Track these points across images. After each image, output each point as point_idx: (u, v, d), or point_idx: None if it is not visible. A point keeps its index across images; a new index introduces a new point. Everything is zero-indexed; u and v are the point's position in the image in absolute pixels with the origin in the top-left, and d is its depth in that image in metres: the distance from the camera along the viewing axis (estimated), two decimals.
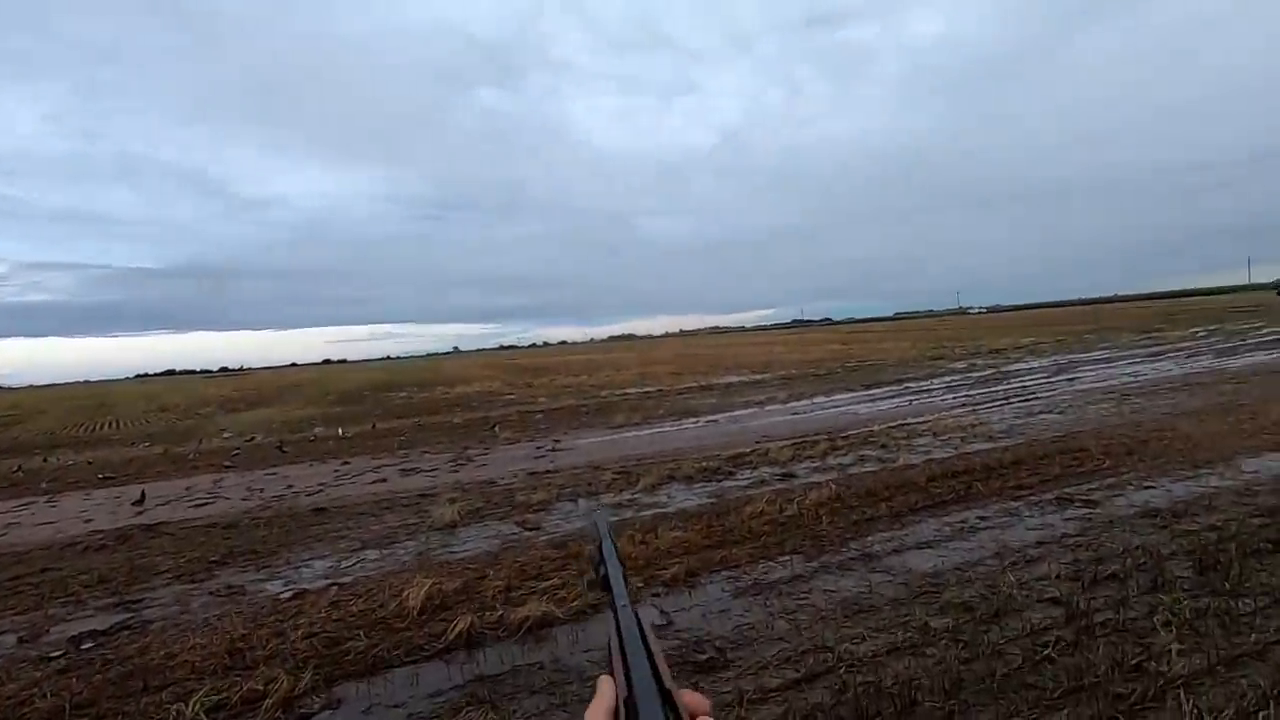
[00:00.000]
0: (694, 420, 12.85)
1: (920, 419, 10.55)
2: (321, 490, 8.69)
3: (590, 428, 12.81)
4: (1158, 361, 16.92)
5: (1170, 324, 34.05)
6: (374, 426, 15.87)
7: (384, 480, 9.09)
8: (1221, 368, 14.34)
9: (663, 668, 0.52)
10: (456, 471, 9.33)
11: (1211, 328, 28.95)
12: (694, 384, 21.10)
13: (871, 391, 15.32)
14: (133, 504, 8.66)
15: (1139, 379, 13.49)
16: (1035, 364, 19.12)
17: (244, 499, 8.51)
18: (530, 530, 5.98)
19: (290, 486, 9.13)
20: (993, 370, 18.20)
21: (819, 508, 5.76)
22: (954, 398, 13.04)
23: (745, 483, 7.13)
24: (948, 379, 16.94)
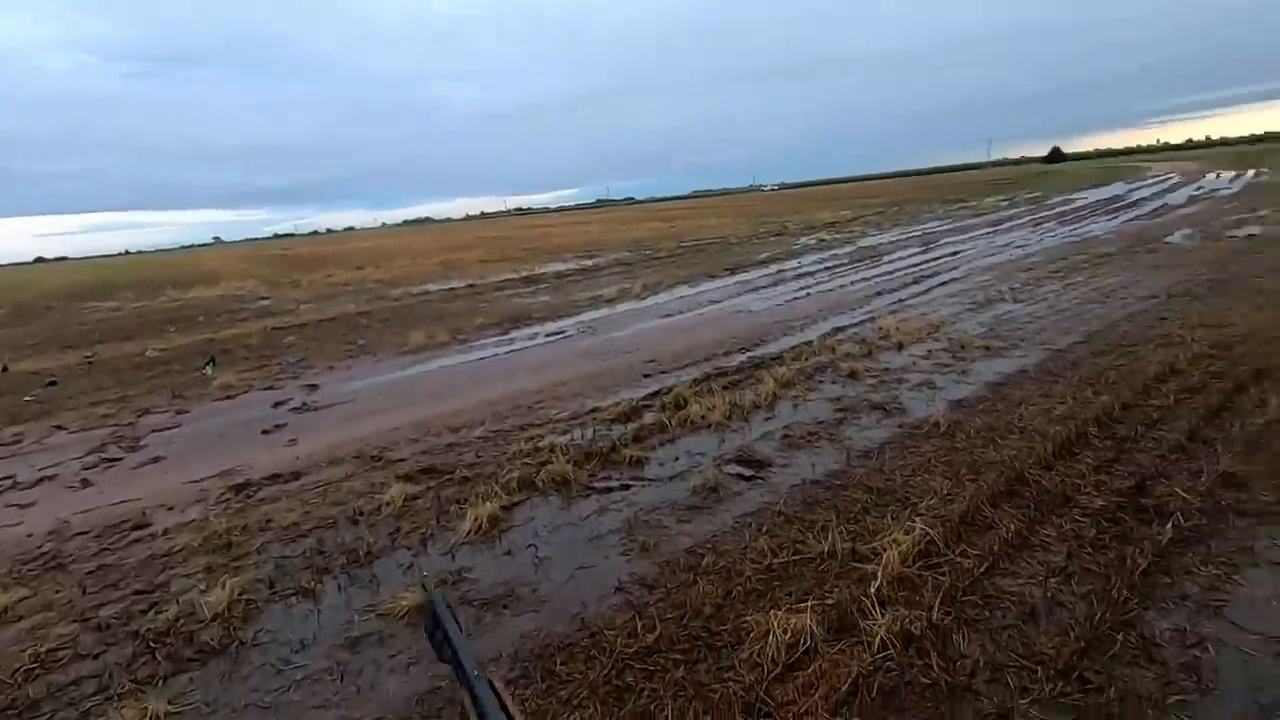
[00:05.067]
0: (529, 331, 8.96)
1: (851, 319, 7.65)
2: None
3: (371, 355, 8.40)
4: (1013, 232, 15.86)
5: (964, 195, 35.46)
6: (4, 369, 9.83)
7: None
8: (1094, 235, 13.27)
9: None
10: (84, 485, 4.71)
11: (1004, 198, 30.14)
12: (513, 275, 16.86)
13: (742, 278, 12.34)
14: None
15: (1033, 252, 11.85)
16: (890, 238, 17.47)
17: None
18: None
19: None
20: (853, 246, 16.16)
21: (915, 600, 2.41)
22: (850, 282, 10.44)
23: (682, 491, 3.57)
24: (815, 257, 14.54)
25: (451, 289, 15.06)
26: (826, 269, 12.47)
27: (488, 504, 3.52)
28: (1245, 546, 2.59)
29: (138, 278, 33.93)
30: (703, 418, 4.65)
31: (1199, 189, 23.52)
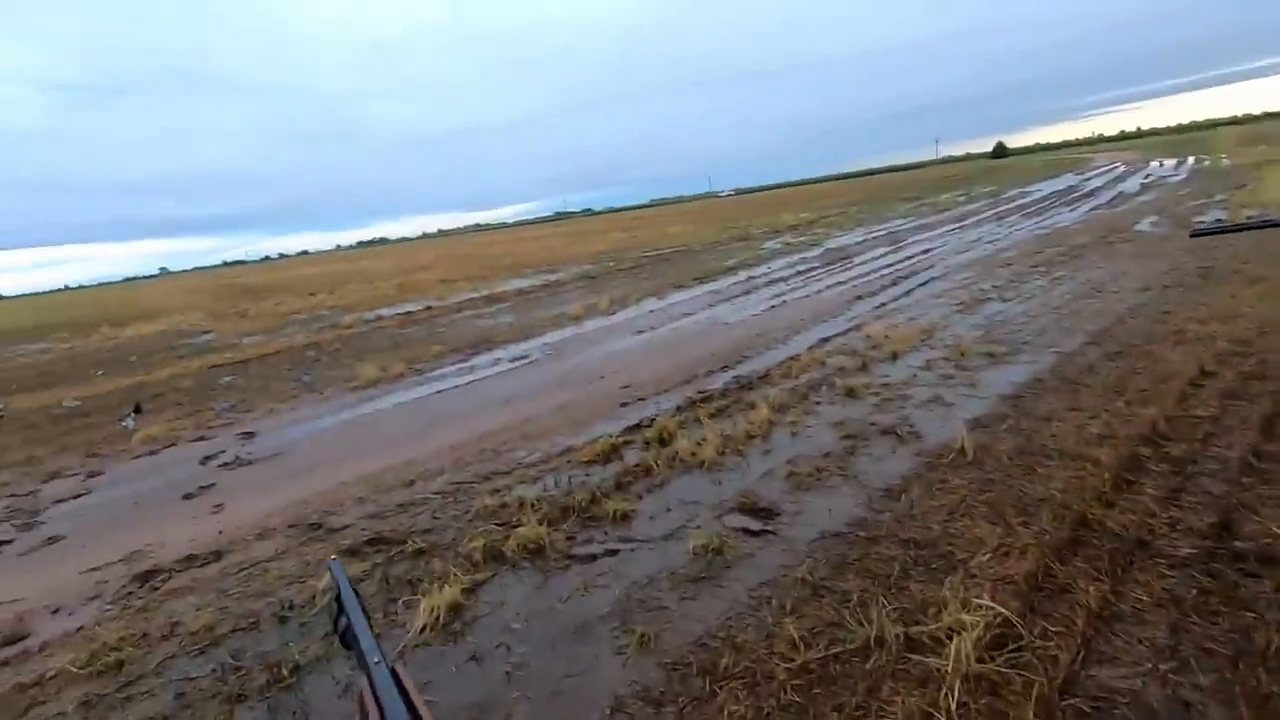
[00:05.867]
0: (491, 357, 8.30)
1: (835, 328, 7.18)
2: None
3: (318, 393, 7.64)
4: (979, 227, 15.74)
5: (919, 193, 35.79)
6: None
7: None
8: (1062, 225, 13.15)
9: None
10: None
11: (960, 194, 30.43)
12: (474, 294, 16.12)
13: (712, 287, 11.86)
14: None
15: (1005, 246, 11.61)
16: (856, 238, 17.21)
17: None
18: None
19: None
20: (821, 249, 15.85)
21: (1004, 713, 1.86)
22: (826, 287, 10.02)
23: (680, 554, 2.98)
24: (784, 261, 14.15)
25: (408, 313, 14.25)
26: (798, 273, 12.06)
27: (447, 588, 2.88)
28: None
29: (70, 317, 32.06)
30: (693, 454, 4.07)
31: (1148, 177, 23.96)
